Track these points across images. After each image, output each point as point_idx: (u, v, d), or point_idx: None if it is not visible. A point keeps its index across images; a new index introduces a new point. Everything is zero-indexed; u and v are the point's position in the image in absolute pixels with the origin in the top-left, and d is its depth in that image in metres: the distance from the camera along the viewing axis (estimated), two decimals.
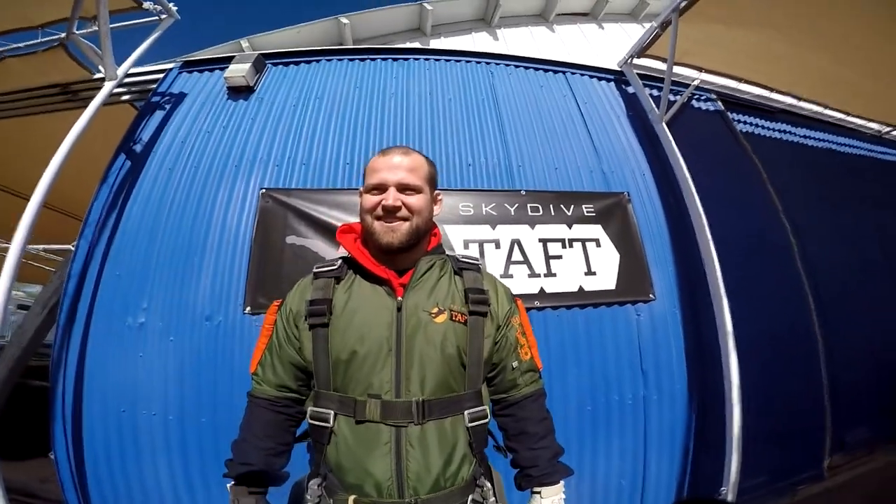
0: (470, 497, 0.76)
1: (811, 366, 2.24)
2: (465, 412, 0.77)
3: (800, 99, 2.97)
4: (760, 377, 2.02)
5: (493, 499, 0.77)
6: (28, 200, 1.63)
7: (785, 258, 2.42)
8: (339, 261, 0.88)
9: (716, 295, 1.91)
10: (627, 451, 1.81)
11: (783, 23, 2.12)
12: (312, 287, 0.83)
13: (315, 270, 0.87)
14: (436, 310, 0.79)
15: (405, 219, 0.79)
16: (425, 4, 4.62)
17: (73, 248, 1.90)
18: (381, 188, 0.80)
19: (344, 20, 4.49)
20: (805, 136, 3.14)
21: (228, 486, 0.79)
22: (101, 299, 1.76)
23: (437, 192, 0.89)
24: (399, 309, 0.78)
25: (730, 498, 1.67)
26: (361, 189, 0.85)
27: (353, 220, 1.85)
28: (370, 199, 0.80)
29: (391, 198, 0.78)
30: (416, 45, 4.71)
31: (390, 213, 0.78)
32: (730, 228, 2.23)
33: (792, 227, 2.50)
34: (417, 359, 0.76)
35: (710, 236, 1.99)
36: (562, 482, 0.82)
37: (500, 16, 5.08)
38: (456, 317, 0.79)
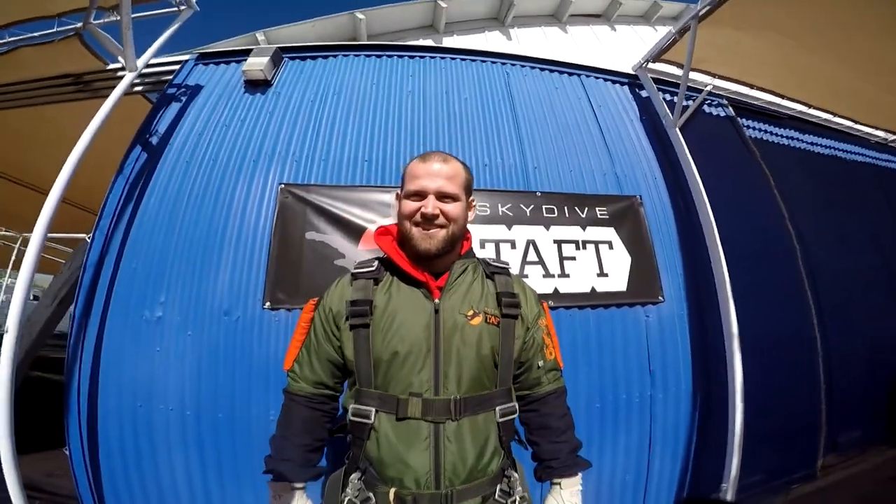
0: (498, 486, 0.80)
1: (810, 369, 2.29)
2: (497, 408, 0.81)
3: (809, 106, 2.99)
4: (762, 379, 2.06)
5: (519, 488, 0.81)
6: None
7: (789, 263, 2.46)
8: (375, 262, 0.90)
9: (723, 299, 1.95)
10: (632, 448, 1.85)
11: (805, 33, 2.12)
12: (352, 287, 0.85)
13: (353, 271, 0.89)
14: (471, 312, 0.82)
15: (443, 226, 0.81)
16: (439, 2, 4.57)
17: (86, 238, 1.88)
18: (420, 195, 0.81)
19: (360, 15, 4.44)
20: (812, 143, 3.17)
21: (268, 482, 0.82)
22: (118, 292, 1.74)
23: (471, 198, 0.91)
24: (436, 311, 0.81)
25: (729, 496, 1.72)
26: (399, 192, 0.87)
27: (371, 216, 1.87)
28: (409, 205, 0.82)
29: (430, 206, 0.80)
30: (430, 42, 4.68)
31: (429, 221, 0.80)
32: (738, 233, 2.27)
33: (796, 232, 2.54)
34: (455, 359, 0.79)
35: (719, 241, 2.03)
36: (580, 475, 0.86)
37: (514, 15, 5.04)
38: (490, 319, 0.83)
